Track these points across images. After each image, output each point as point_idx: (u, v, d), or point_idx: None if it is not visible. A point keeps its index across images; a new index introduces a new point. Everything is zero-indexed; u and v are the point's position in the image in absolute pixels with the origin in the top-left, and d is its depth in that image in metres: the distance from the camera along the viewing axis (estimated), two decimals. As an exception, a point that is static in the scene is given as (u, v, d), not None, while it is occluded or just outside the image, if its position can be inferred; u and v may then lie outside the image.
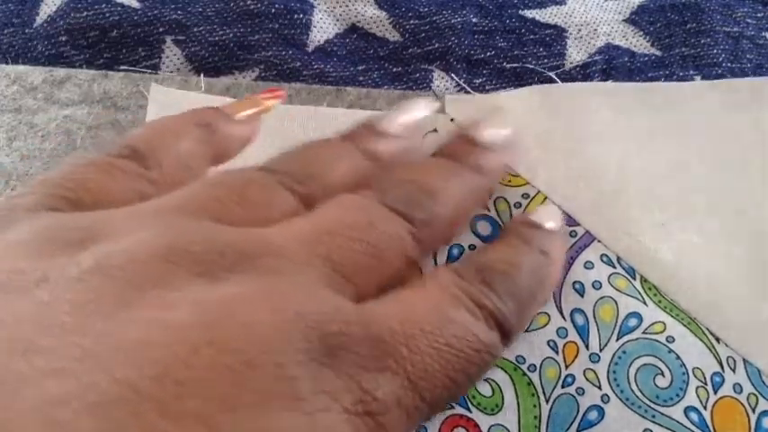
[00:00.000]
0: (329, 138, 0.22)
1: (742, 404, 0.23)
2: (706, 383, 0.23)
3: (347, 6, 0.31)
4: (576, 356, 0.24)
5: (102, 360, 0.11)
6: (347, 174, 0.21)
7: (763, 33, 0.31)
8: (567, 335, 0.24)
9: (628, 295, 0.24)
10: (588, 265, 0.25)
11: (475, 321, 0.17)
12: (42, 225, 0.15)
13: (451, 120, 0.27)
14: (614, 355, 0.24)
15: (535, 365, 0.24)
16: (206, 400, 0.11)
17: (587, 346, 0.24)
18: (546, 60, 0.30)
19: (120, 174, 0.18)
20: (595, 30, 0.30)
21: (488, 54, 0.30)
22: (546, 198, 0.26)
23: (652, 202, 0.25)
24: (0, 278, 0.13)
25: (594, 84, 0.27)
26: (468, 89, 0.29)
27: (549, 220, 0.22)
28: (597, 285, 0.24)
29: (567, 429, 0.23)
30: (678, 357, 0.23)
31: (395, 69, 0.30)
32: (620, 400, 0.23)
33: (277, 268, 0.15)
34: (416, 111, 0.24)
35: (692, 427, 0.23)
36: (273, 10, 0.30)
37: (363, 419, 0.13)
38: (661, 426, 0.23)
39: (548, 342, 0.24)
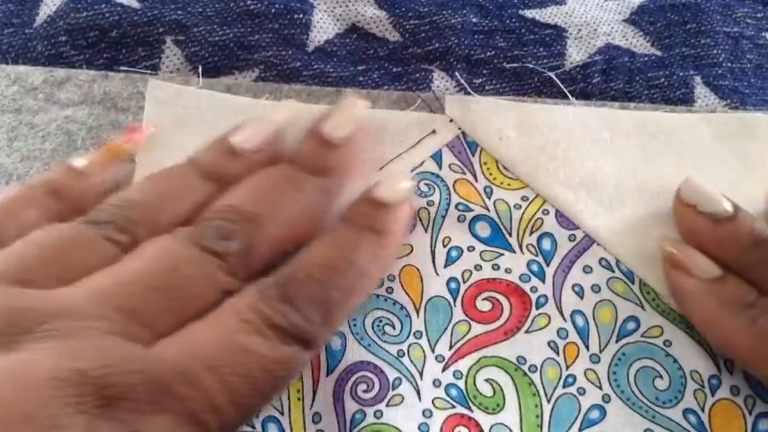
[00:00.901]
0: (172, 168, 0.23)
1: (739, 406, 0.23)
2: (704, 386, 0.23)
3: (347, 6, 0.31)
4: (576, 357, 0.24)
5: None
6: (183, 207, 0.22)
7: (763, 33, 0.31)
8: (567, 336, 0.24)
9: (626, 299, 0.24)
10: (587, 269, 0.25)
11: (265, 343, 0.18)
12: None
13: (450, 120, 0.27)
14: (614, 356, 0.24)
15: (536, 366, 0.24)
16: None
17: (587, 347, 0.24)
18: (546, 60, 0.30)
19: None
20: (595, 30, 0.30)
21: (488, 54, 0.30)
22: (545, 202, 0.26)
23: (647, 217, 0.25)
24: None
25: (593, 108, 0.27)
26: (469, 89, 0.29)
27: (396, 187, 0.22)
28: (596, 289, 0.25)
29: (570, 428, 0.23)
30: (675, 361, 0.24)
31: (395, 69, 0.30)
32: (621, 400, 0.23)
33: (67, 329, 0.17)
34: (267, 123, 0.24)
35: (691, 429, 0.23)
36: (273, 10, 0.30)
37: None
38: (661, 426, 0.23)
39: (548, 343, 0.24)
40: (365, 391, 0.23)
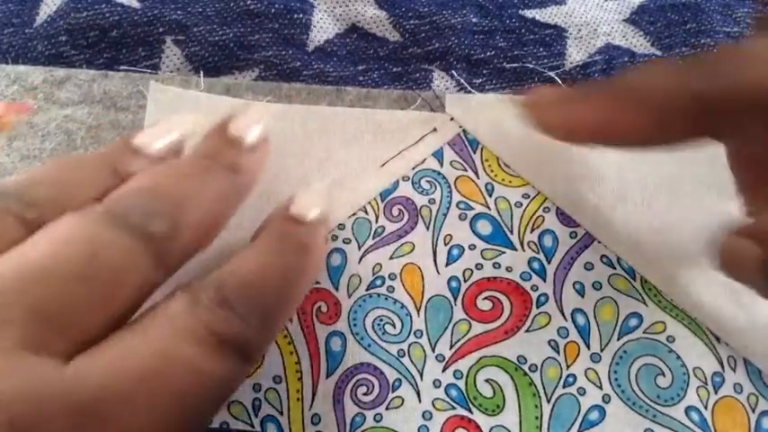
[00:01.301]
0: (80, 156, 0.21)
1: (742, 404, 0.23)
2: (707, 383, 0.23)
3: (347, 6, 0.31)
4: (577, 356, 0.24)
5: None
6: (95, 192, 0.19)
7: (763, 33, 0.31)
8: (567, 335, 0.24)
9: (628, 296, 0.24)
10: (588, 266, 0.25)
11: (207, 354, 0.16)
12: None
13: (451, 119, 0.27)
14: (615, 354, 0.24)
15: (536, 365, 0.24)
16: None
17: (588, 346, 0.24)
18: (546, 60, 0.30)
19: None
20: (595, 30, 0.30)
21: (488, 54, 0.30)
22: (546, 199, 0.26)
23: (649, 212, 0.25)
24: None
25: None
26: (470, 88, 0.29)
27: (311, 208, 0.21)
28: (597, 286, 0.25)
29: (569, 429, 0.23)
30: (679, 357, 0.23)
31: (395, 69, 0.30)
32: (622, 400, 0.23)
33: None
34: (176, 129, 0.22)
35: (693, 427, 0.23)
36: (273, 10, 0.30)
37: None
38: (662, 425, 0.23)
39: (549, 342, 0.24)
40: (365, 394, 0.23)
